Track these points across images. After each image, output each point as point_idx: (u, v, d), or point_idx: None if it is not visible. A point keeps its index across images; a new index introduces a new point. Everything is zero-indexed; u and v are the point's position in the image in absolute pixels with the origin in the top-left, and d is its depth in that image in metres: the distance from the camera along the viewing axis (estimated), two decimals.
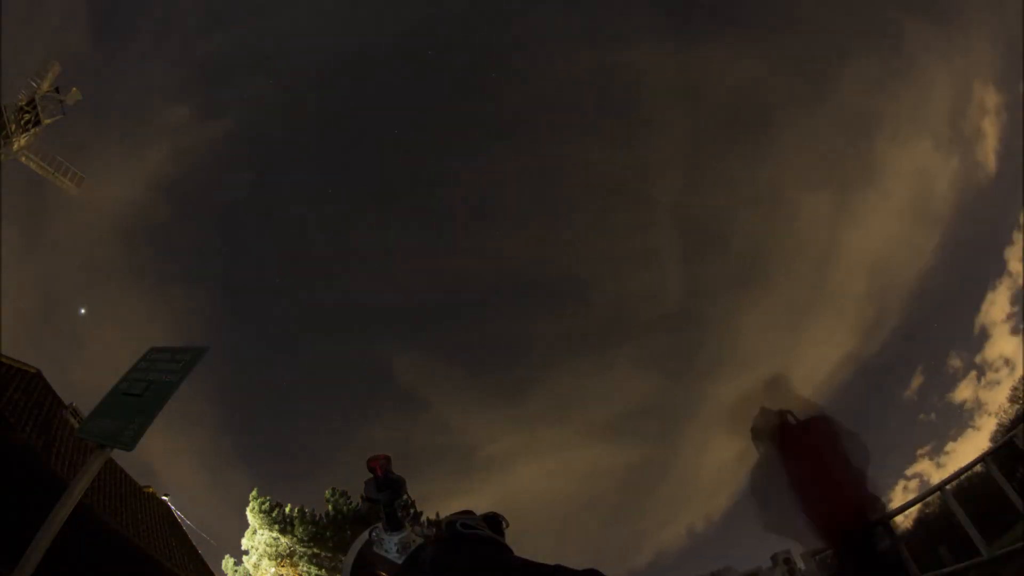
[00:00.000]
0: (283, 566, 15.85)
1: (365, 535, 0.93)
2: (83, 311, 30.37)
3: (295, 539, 15.89)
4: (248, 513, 16.44)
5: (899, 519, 7.74)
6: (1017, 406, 23.28)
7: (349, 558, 0.92)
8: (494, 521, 0.94)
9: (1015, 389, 24.25)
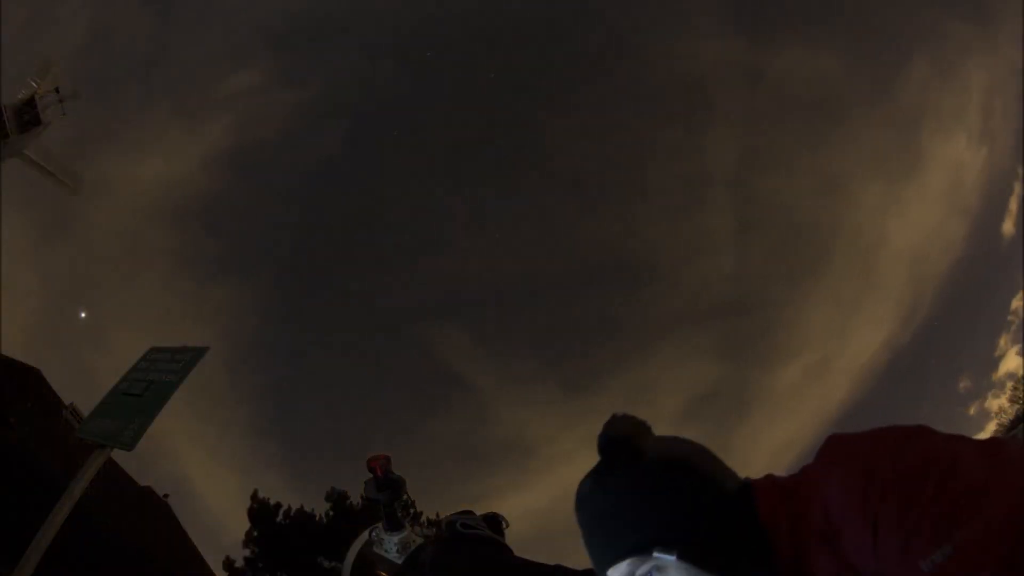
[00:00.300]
0: (284, 566, 15.86)
1: (365, 535, 0.93)
2: (83, 315, 29.63)
3: (296, 539, 15.90)
4: (248, 513, 16.45)
5: None
6: (1017, 406, 23.35)
7: (349, 558, 0.92)
8: (494, 521, 0.94)
9: (1015, 390, 24.32)
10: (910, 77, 31.77)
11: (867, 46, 32.58)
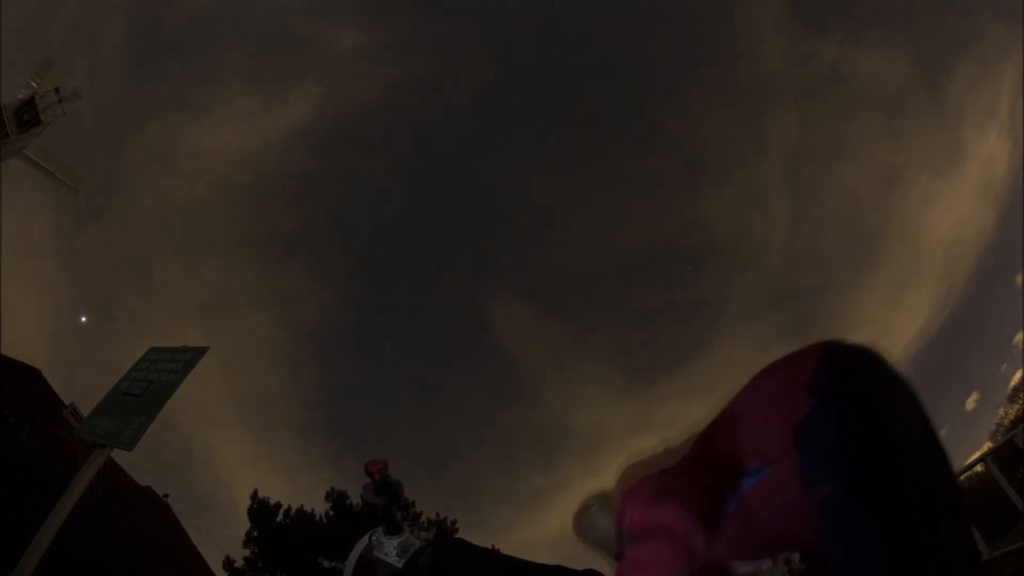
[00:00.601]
0: (284, 566, 15.87)
1: (365, 539, 0.94)
2: (84, 319, 28.72)
3: (296, 539, 15.91)
4: (248, 513, 16.47)
5: None
6: (1017, 406, 23.34)
7: (350, 562, 0.92)
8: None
9: (1015, 390, 24.33)
10: (957, 75, 32.62)
11: (922, 45, 33.38)
